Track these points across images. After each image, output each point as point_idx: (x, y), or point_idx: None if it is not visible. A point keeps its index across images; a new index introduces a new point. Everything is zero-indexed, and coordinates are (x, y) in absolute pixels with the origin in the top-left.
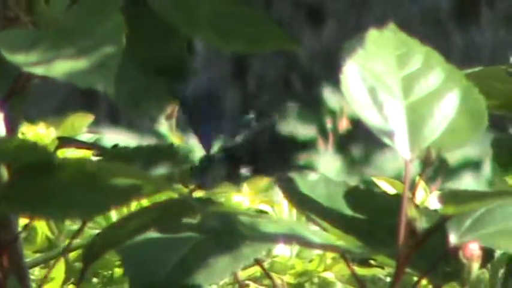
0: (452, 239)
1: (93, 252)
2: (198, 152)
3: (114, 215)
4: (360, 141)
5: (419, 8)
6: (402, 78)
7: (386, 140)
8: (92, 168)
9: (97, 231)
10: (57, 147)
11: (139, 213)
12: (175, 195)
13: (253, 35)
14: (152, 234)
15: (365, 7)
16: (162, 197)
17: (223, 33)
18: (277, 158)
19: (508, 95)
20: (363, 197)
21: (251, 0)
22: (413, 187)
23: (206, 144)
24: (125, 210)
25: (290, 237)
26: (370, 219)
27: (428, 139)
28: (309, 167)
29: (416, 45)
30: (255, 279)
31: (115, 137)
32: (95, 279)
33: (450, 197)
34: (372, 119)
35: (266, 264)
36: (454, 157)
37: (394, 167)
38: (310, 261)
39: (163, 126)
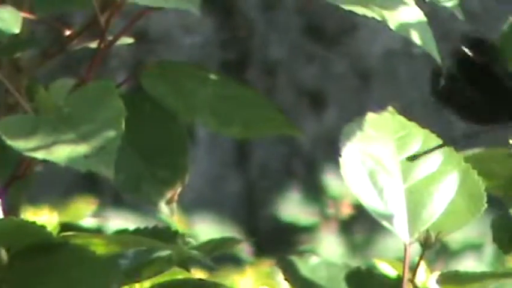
0: None
1: None
2: (200, 235)
3: None
4: (362, 225)
5: (420, 92)
6: (402, 162)
7: (386, 224)
8: (92, 246)
9: None
10: (59, 233)
11: None
12: (176, 277)
13: (253, 119)
14: None
15: (366, 92)
16: (163, 279)
17: (222, 117)
18: (279, 243)
19: (507, 176)
20: (363, 279)
21: (252, 85)
22: (414, 269)
23: None
24: None
25: None
26: None
27: (428, 222)
28: (312, 252)
29: (415, 128)
30: None
31: (119, 222)
32: None
33: (450, 278)
34: (372, 203)
35: None
36: (455, 239)
37: (397, 248)
38: None
39: (165, 211)
